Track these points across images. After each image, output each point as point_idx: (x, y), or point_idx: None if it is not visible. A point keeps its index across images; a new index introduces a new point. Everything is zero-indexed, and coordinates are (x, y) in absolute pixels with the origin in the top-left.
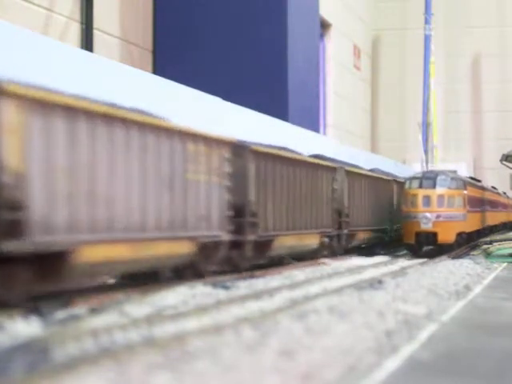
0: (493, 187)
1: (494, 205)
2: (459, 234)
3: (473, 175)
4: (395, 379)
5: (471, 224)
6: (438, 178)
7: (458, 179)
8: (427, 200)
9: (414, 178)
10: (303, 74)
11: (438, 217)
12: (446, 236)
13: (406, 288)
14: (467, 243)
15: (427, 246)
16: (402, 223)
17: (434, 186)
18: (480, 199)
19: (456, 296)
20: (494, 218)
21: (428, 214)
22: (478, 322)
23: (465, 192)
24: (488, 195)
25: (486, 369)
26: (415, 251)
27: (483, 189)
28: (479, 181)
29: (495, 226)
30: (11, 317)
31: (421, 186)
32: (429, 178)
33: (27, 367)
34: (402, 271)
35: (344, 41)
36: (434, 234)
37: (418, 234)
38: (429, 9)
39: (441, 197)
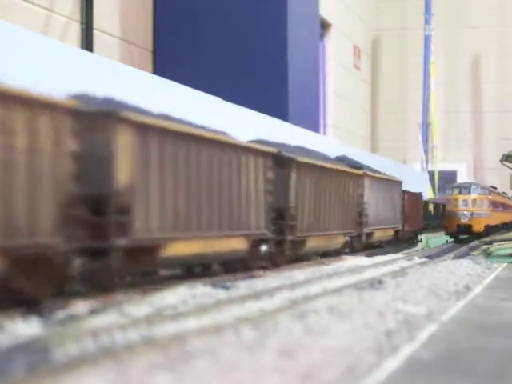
0: (504, 193)
1: (506, 207)
2: (486, 226)
3: (473, 175)
4: (395, 379)
5: (493, 220)
6: (472, 187)
7: (485, 188)
8: (465, 202)
9: (454, 187)
10: (303, 74)
11: (472, 214)
12: (478, 227)
13: (406, 288)
14: (490, 233)
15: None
16: (447, 218)
17: (469, 193)
18: (497, 202)
19: (456, 296)
20: (506, 216)
21: (466, 212)
22: (478, 321)
23: (489, 197)
24: (502, 199)
25: (487, 369)
26: (456, 237)
27: (499, 194)
28: (495, 188)
29: (506, 223)
30: (11, 317)
31: (460, 193)
32: (465, 188)
33: (27, 367)
34: (402, 271)
35: (344, 41)
36: (470, 226)
37: (459, 226)
38: (429, 9)
39: (474, 200)
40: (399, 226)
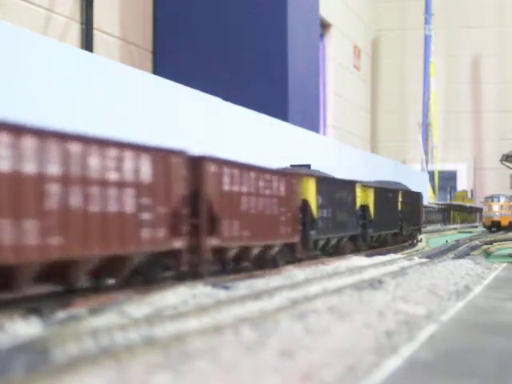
0: None
1: None
2: (509, 222)
3: (473, 175)
4: (395, 379)
5: None
6: (500, 196)
7: (508, 197)
8: (496, 206)
9: (489, 197)
10: (303, 74)
11: (501, 214)
12: (504, 223)
13: (405, 288)
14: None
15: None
16: (484, 217)
17: (498, 201)
18: None
19: (456, 296)
20: None
21: (497, 213)
22: (478, 322)
23: (511, 203)
24: None
25: (486, 369)
26: (490, 229)
27: None
28: None
29: None
30: (11, 317)
31: (492, 201)
32: (496, 197)
33: (27, 367)
34: (402, 271)
35: (344, 41)
36: (499, 222)
37: (492, 222)
38: (429, 9)
39: (501, 205)
40: None
